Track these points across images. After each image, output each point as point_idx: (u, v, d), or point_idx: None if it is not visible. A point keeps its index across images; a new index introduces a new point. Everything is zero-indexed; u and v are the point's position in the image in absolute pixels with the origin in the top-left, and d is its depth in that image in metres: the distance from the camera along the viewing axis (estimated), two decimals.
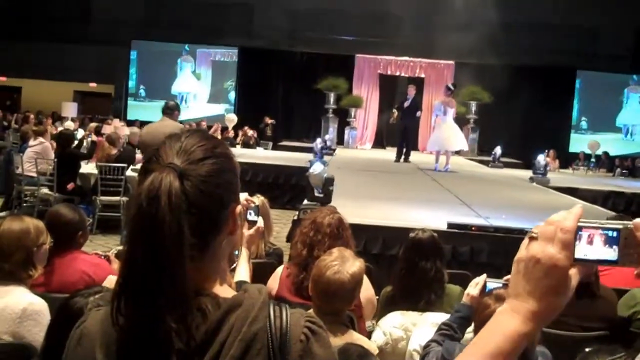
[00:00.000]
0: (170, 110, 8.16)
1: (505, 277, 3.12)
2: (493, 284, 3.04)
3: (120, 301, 1.18)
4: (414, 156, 16.06)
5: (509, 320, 0.98)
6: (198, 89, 22.79)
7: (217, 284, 1.30)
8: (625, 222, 0.96)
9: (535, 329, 0.98)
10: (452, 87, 14.29)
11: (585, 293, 3.59)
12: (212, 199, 1.26)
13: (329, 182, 7.03)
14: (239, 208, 1.33)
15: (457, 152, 15.65)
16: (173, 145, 1.28)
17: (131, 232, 1.19)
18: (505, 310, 1.00)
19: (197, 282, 1.25)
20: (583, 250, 0.97)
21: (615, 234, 0.96)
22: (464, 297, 3.13)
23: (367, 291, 3.57)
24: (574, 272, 0.98)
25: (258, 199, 4.97)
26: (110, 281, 3.11)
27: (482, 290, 3.04)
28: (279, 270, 3.87)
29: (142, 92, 22.60)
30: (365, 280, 3.35)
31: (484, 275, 3.11)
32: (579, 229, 0.97)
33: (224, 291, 1.29)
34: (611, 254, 0.97)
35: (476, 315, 2.80)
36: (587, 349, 2.02)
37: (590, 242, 0.97)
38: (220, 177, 1.28)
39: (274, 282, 3.79)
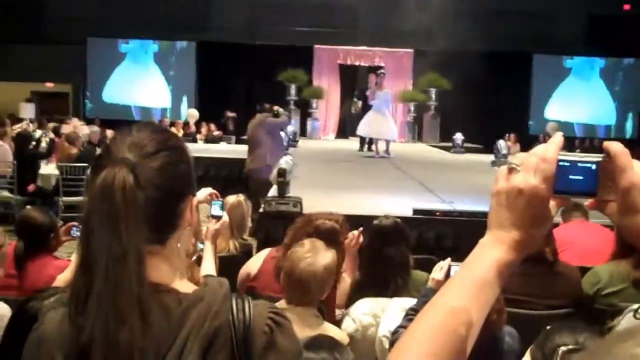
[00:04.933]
0: (264, 110, 9.88)
1: None
2: (457, 267, 3.04)
3: (79, 301, 1.16)
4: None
5: (493, 249, 0.98)
6: (166, 95, 22.36)
7: (177, 279, 1.28)
8: (604, 155, 0.98)
9: (518, 258, 0.98)
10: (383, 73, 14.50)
11: (548, 271, 3.64)
12: (168, 191, 1.24)
13: (280, 174, 6.83)
14: (195, 199, 1.32)
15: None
16: (124, 140, 1.26)
17: (86, 230, 1.16)
18: (488, 241, 1.00)
19: (157, 278, 1.23)
20: (562, 183, 0.98)
21: (594, 166, 0.98)
22: (430, 282, 3.15)
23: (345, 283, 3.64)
24: (552, 205, 0.99)
25: (236, 198, 4.97)
26: (60, 281, 3.07)
27: (447, 274, 3.06)
28: (264, 252, 3.88)
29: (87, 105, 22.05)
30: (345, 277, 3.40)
31: (448, 259, 3.14)
32: (559, 162, 0.98)
33: (185, 286, 1.28)
34: (590, 186, 0.98)
35: None
36: (548, 327, 2.04)
37: (570, 175, 0.98)
38: (175, 170, 1.27)
39: (255, 263, 3.80)
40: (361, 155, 14.61)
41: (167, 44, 22.31)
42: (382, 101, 13.69)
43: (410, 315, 3.04)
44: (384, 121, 13.63)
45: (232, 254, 4.67)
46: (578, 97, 22.38)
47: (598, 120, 22.45)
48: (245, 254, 4.78)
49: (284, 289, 2.96)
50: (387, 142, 13.84)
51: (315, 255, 2.93)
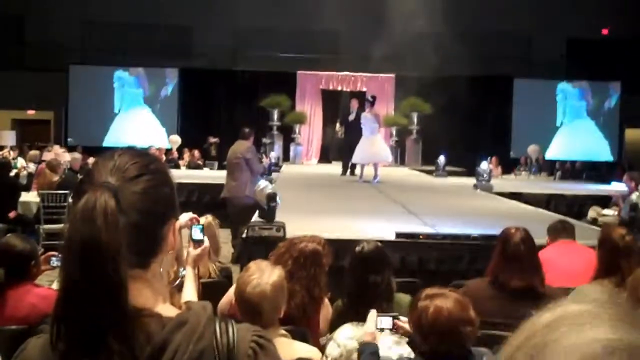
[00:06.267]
0: (244, 135, 9.93)
1: (394, 313, 3.37)
2: (383, 317, 3.25)
3: (60, 326, 1.15)
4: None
5: None
6: (155, 130, 22.13)
7: (160, 303, 1.27)
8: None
9: None
10: (371, 99, 14.47)
11: (531, 295, 3.64)
12: (150, 215, 1.24)
13: (271, 199, 6.97)
14: (178, 223, 1.32)
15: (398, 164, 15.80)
16: (106, 164, 1.25)
17: (67, 255, 1.16)
18: None
19: (139, 302, 1.22)
20: None
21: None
22: (365, 336, 3.18)
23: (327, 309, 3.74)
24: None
25: (205, 219, 4.95)
26: None
27: (375, 325, 3.16)
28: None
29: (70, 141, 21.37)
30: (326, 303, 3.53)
31: (373, 311, 3.24)
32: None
33: (168, 310, 1.27)
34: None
35: (417, 320, 2.78)
36: None
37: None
38: (157, 194, 1.26)
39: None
40: (344, 179, 14.64)
41: (154, 90, 22.30)
42: (369, 125, 13.73)
43: None
44: (375, 144, 13.68)
45: (214, 279, 4.65)
46: (574, 138, 22.91)
47: (596, 157, 22.66)
48: (226, 277, 4.76)
49: (241, 316, 2.95)
50: (376, 166, 13.81)
51: (261, 276, 2.95)
